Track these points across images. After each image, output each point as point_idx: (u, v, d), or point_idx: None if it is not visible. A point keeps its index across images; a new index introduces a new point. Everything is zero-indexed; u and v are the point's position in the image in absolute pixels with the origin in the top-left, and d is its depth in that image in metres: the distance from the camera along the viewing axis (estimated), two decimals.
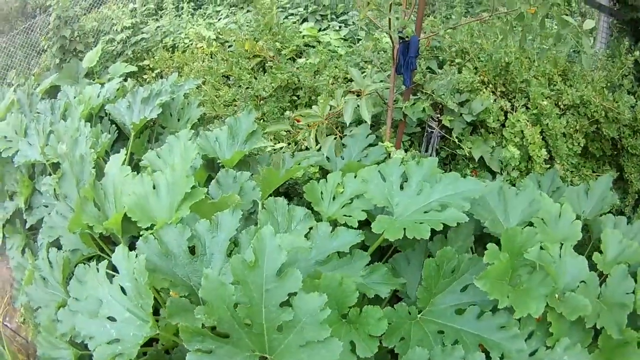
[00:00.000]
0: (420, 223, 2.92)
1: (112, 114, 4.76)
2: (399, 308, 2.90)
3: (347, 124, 3.46)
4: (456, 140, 4.49)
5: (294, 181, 3.83)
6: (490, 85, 4.90)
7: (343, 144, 3.86)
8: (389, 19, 3.67)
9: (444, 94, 4.48)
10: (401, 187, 3.27)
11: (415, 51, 3.93)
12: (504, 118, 4.69)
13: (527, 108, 4.76)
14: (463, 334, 2.78)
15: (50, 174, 4.53)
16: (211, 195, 3.16)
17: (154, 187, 3.06)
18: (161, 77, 5.81)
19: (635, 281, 3.16)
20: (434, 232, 2.94)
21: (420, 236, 2.81)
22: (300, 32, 5.59)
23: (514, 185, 4.33)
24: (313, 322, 2.25)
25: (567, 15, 3.52)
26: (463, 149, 4.48)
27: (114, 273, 2.70)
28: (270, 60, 5.13)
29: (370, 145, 4.01)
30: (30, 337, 4.62)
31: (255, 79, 4.76)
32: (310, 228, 2.99)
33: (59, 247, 3.53)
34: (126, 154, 4.38)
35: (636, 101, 5.07)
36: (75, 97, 5.19)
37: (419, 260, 3.16)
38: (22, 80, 7.16)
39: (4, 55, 8.32)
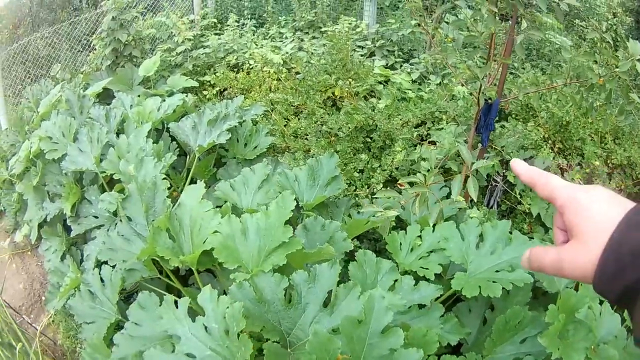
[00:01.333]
0: (493, 282, 3.13)
1: (174, 132, 4.76)
2: (470, 357, 3.07)
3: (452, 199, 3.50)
4: (518, 196, 4.62)
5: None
6: (550, 142, 5.02)
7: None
8: (480, 84, 3.76)
9: (512, 152, 4.64)
10: (477, 246, 3.45)
11: (495, 114, 4.07)
12: (560, 176, 4.58)
13: (581, 166, 4.86)
14: None
15: (102, 186, 4.52)
16: (328, 246, 3.19)
17: (242, 229, 3.07)
18: (222, 95, 5.83)
19: None
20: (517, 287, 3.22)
21: (493, 294, 3.01)
22: (373, 70, 5.57)
23: None
24: None
25: (632, 90, 3.60)
26: (523, 204, 4.59)
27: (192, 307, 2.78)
28: (342, 98, 5.12)
29: (445, 197, 4.13)
30: (60, 341, 4.60)
31: (328, 114, 4.76)
32: (395, 280, 3.13)
33: (108, 263, 3.56)
34: (188, 176, 4.39)
35: None
36: (132, 107, 5.22)
37: (480, 310, 3.35)
38: (68, 76, 7.14)
39: (47, 47, 8.31)
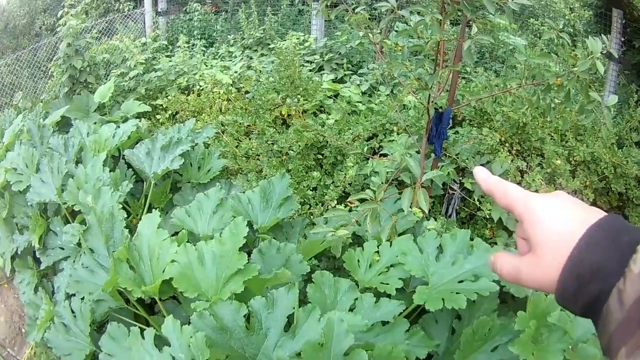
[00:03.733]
0: (457, 293, 3.11)
1: (129, 159, 4.73)
2: None
3: (405, 212, 3.51)
4: (477, 202, 4.56)
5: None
6: (507, 145, 4.97)
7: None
8: (429, 94, 3.75)
9: (467, 159, 4.60)
10: (437, 258, 3.42)
11: (447, 122, 4.01)
12: (520, 178, 4.72)
13: (542, 166, 4.81)
14: None
15: (65, 217, 4.50)
16: (285, 270, 3.16)
17: (198, 258, 3.08)
18: (174, 118, 5.81)
19: None
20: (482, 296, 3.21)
21: (457, 306, 2.99)
22: (322, 85, 5.55)
23: None
24: None
25: (591, 87, 3.55)
26: (483, 210, 4.50)
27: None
28: (290, 115, 5.11)
29: (401, 211, 4.00)
30: None
31: (278, 133, 4.74)
32: (355, 299, 3.11)
33: (76, 295, 3.55)
34: (145, 203, 4.40)
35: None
36: (88, 135, 5.16)
37: (447, 320, 3.33)
38: (29, 104, 7.08)
39: (9, 74, 8.26)
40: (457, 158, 4.63)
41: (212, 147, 4.75)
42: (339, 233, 3.07)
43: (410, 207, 3.90)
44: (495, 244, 4.48)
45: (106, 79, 6.84)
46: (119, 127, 5.16)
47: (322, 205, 4.25)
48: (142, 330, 2.85)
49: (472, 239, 3.59)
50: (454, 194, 4.64)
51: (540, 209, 0.95)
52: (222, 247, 3.08)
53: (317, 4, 6.74)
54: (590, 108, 3.48)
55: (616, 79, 6.67)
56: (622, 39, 7.08)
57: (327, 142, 4.59)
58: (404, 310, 3.24)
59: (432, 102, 3.85)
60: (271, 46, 6.86)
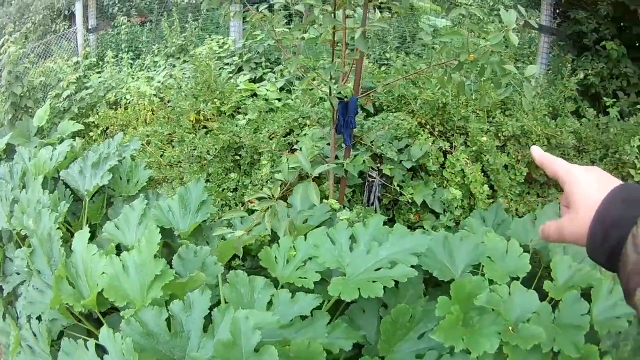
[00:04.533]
0: (373, 281, 3.08)
1: (65, 179, 4.90)
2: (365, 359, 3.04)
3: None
4: (397, 188, 4.59)
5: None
6: (428, 127, 4.97)
7: (289, 204, 3.99)
8: (329, 86, 3.83)
9: (382, 145, 4.59)
10: (350, 248, 3.39)
11: (354, 111, 4.02)
12: (443, 159, 4.78)
13: (467, 145, 4.84)
14: None
15: (17, 243, 4.70)
16: (175, 270, 3.36)
17: (123, 268, 3.27)
18: (106, 134, 5.95)
19: (590, 301, 3.31)
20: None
21: (374, 294, 2.97)
22: (238, 87, 5.68)
23: (457, 223, 4.52)
24: None
25: (508, 59, 3.58)
26: (405, 195, 4.55)
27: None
28: (208, 120, 5.23)
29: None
30: None
31: (198, 139, 4.86)
32: (272, 295, 3.16)
33: (39, 317, 3.68)
34: (82, 219, 4.61)
35: (580, 120, 5.24)
36: (30, 160, 5.32)
37: (374, 308, 3.31)
38: None
39: None
40: (372, 145, 4.61)
41: (137, 159, 4.91)
42: (237, 234, 3.23)
43: (327, 199, 4.09)
44: (422, 227, 4.50)
45: (44, 102, 6.95)
46: (55, 148, 5.31)
47: (242, 206, 4.38)
48: (85, 342, 3.02)
49: (389, 226, 3.64)
50: (373, 181, 4.63)
51: (578, 174, 1.15)
52: (141, 255, 3.25)
53: (234, 7, 6.97)
54: (506, 81, 3.48)
55: (548, 50, 6.81)
56: (557, 11, 7.20)
57: (243, 142, 4.67)
58: (328, 303, 3.28)
59: (335, 92, 3.89)
60: (192, 52, 7.00)
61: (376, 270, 3.26)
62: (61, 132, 6.17)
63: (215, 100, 5.34)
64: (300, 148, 4.38)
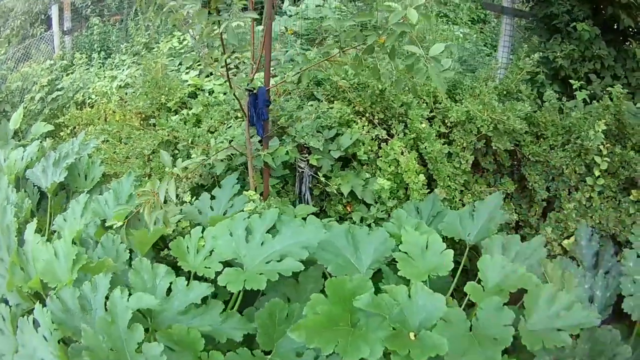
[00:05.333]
0: (260, 274, 3.23)
1: (31, 178, 5.32)
2: (241, 352, 3.12)
3: (162, 202, 3.64)
4: (322, 178, 4.53)
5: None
6: (367, 114, 4.87)
7: (213, 196, 4.23)
8: (229, 79, 4.03)
9: (307, 135, 4.57)
10: (247, 240, 3.55)
11: (264, 102, 4.08)
12: (377, 148, 4.69)
13: (406, 133, 4.72)
14: None
15: None
16: (99, 257, 3.73)
17: (55, 254, 3.68)
18: (74, 134, 6.24)
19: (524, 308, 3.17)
20: (284, 276, 3.27)
21: (258, 287, 3.14)
22: (186, 82, 5.94)
23: (389, 214, 4.34)
24: None
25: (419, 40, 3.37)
26: (330, 186, 4.50)
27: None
28: (156, 116, 5.51)
29: (237, 194, 4.31)
30: None
31: (145, 134, 5.10)
32: (171, 282, 3.41)
33: (5, 301, 4.04)
34: (48, 215, 5.02)
35: (540, 103, 5.10)
36: (5, 161, 5.78)
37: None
38: None
39: None
40: (297, 135, 4.60)
41: (94, 157, 5.27)
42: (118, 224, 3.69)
43: (247, 190, 4.24)
44: (351, 218, 4.53)
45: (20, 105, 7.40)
46: (26, 149, 5.76)
47: (176, 197, 4.26)
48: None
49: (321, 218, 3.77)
50: (303, 172, 4.59)
51: None
52: (65, 243, 3.67)
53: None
54: (410, 62, 3.34)
55: (512, 33, 6.55)
56: None
57: (180, 137, 4.85)
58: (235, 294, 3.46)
59: (243, 85, 4.06)
60: (155, 50, 7.28)
61: (267, 263, 3.42)
62: (34, 133, 6.64)
63: (162, 96, 5.63)
64: (230, 141, 4.56)
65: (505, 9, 6.52)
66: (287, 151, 4.45)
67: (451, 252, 3.49)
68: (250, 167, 4.32)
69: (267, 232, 3.63)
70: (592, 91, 5.53)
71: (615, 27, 6.24)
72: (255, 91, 4.10)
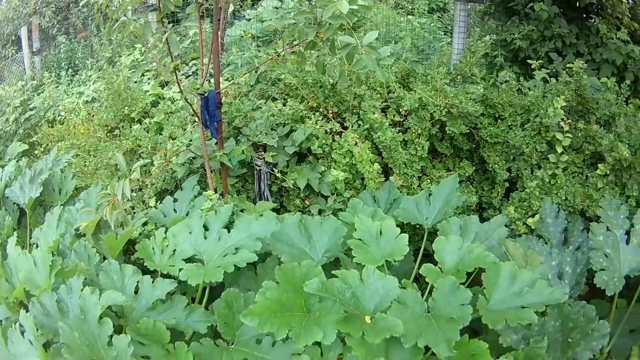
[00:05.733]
0: (218, 267, 3.45)
1: (10, 197, 5.60)
2: (205, 342, 3.27)
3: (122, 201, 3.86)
4: (278, 174, 4.66)
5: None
6: (321, 110, 5.01)
7: (175, 199, 4.52)
8: (179, 84, 4.28)
9: (260, 133, 4.70)
10: (205, 236, 3.77)
11: (215, 104, 4.25)
12: (332, 140, 4.79)
13: (359, 125, 4.84)
14: None
15: None
16: (72, 262, 4.01)
17: (34, 263, 3.95)
18: (48, 151, 6.35)
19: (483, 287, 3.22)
20: (244, 269, 3.53)
21: (215, 279, 3.37)
22: (147, 92, 6.14)
23: (347, 205, 4.40)
24: (125, 356, 3.05)
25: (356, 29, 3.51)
26: (287, 180, 4.63)
27: None
28: (119, 127, 5.71)
29: (198, 195, 4.50)
30: None
31: (111, 145, 5.32)
32: (138, 281, 3.66)
33: None
34: (28, 229, 5.28)
35: (500, 85, 5.04)
36: None
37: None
38: None
39: None
40: (250, 135, 4.73)
41: (66, 171, 5.53)
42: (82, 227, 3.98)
43: (206, 190, 4.44)
44: (310, 211, 4.67)
45: None
46: (4, 169, 6.03)
47: (143, 203, 4.79)
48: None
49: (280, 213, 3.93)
50: (260, 170, 4.72)
51: None
52: (42, 251, 3.98)
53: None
54: (350, 52, 3.39)
55: (466, 19, 6.30)
56: None
57: (144, 146, 5.05)
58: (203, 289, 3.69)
59: (194, 89, 4.25)
60: (117, 64, 7.55)
61: (224, 256, 3.63)
62: (10, 154, 6.93)
63: (125, 107, 5.88)
64: (188, 145, 4.78)
65: None
66: (242, 150, 4.58)
67: (405, 236, 3.58)
68: (207, 168, 4.50)
69: (225, 227, 3.86)
70: (553, 70, 5.57)
71: (577, 5, 6.30)
72: (206, 95, 4.27)
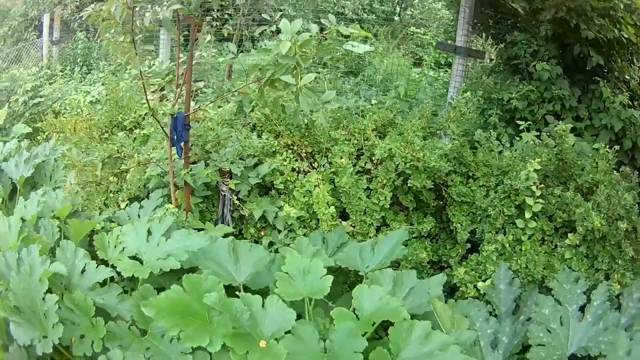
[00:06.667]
0: (147, 267, 3.82)
1: (5, 170, 6.27)
2: (120, 324, 3.57)
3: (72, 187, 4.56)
4: (237, 202, 4.84)
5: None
6: (295, 147, 5.13)
7: (141, 206, 4.89)
8: (149, 106, 4.62)
9: (226, 161, 4.84)
10: (147, 240, 4.11)
11: (182, 126, 4.47)
12: (295, 178, 4.92)
13: (326, 168, 4.93)
14: (166, 354, 3.42)
15: None
16: (43, 235, 4.51)
17: (8, 227, 4.50)
18: (49, 140, 6.91)
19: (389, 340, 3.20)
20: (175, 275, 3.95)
21: (142, 276, 3.75)
22: (143, 104, 6.31)
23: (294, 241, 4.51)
24: (52, 311, 3.44)
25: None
26: (243, 209, 4.80)
27: None
28: (113, 132, 6.12)
29: (160, 206, 4.84)
30: None
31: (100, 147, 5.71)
32: (85, 264, 4.00)
33: None
34: (16, 202, 5.76)
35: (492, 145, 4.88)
36: None
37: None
38: None
39: None
40: (217, 160, 4.89)
41: (59, 161, 6.16)
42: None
43: (171, 203, 4.83)
44: (261, 242, 4.85)
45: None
46: (5, 145, 6.73)
47: (117, 205, 5.13)
48: None
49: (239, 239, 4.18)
50: (224, 195, 4.93)
51: None
52: (16, 218, 4.47)
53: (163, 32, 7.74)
54: (288, 92, 3.61)
55: (463, 73, 6.41)
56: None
57: (126, 153, 5.45)
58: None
59: (165, 111, 4.62)
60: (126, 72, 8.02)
61: (157, 260, 3.98)
62: (15, 132, 7.65)
63: (120, 115, 6.42)
64: (158, 160, 5.14)
65: (459, 48, 6.40)
66: (208, 174, 4.76)
67: (330, 277, 3.63)
68: (171, 183, 4.82)
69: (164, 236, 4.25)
70: (547, 133, 4.98)
71: (586, 66, 6.07)
72: (175, 116, 4.51)
